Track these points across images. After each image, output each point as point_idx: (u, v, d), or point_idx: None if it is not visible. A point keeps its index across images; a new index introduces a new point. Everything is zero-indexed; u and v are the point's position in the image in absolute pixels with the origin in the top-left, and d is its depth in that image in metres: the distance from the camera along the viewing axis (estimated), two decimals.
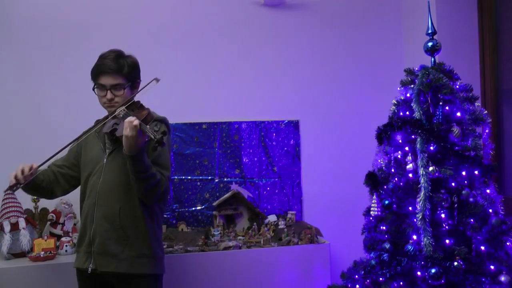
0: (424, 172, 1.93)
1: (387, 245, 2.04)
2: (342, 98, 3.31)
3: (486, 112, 2.08)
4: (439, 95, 2.08)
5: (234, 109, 3.16)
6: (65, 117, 2.90)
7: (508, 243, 1.93)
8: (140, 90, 2.05)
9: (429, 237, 1.89)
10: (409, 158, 2.06)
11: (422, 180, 1.93)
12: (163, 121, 2.09)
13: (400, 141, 2.10)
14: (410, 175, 2.05)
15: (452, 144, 2.02)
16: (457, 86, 2.13)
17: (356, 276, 2.15)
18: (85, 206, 2.08)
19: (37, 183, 2.03)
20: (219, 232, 2.78)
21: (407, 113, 2.12)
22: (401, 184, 2.10)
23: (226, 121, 3.14)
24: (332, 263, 2.86)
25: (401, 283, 1.98)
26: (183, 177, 3.08)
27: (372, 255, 2.10)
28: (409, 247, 1.95)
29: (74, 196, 2.25)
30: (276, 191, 3.19)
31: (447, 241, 1.92)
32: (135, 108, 2.02)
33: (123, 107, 1.99)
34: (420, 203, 1.91)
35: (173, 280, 2.51)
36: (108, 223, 2.00)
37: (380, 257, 2.03)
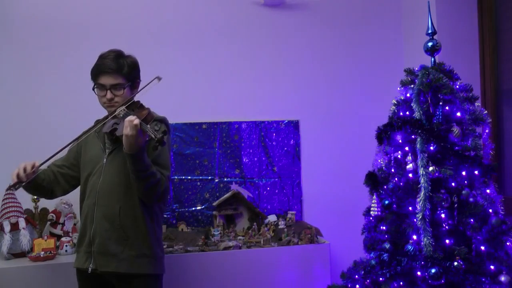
0: (424, 172, 1.93)
1: (387, 245, 2.04)
2: (342, 98, 3.31)
3: (486, 112, 2.08)
4: (439, 95, 2.08)
5: (234, 109, 3.16)
6: (65, 117, 2.90)
7: (508, 243, 1.93)
8: (142, 89, 2.05)
9: (429, 237, 1.89)
10: (409, 158, 2.06)
11: (422, 180, 1.93)
12: (163, 121, 2.09)
13: (400, 141, 2.10)
14: (410, 175, 2.05)
15: (452, 144, 2.02)
16: (457, 86, 2.13)
17: (356, 276, 2.15)
18: (85, 206, 2.08)
19: (38, 182, 2.03)
20: (219, 232, 2.78)
21: (407, 113, 2.12)
22: (401, 184, 2.10)
23: (226, 121, 3.14)
24: (332, 263, 2.86)
25: (401, 283, 1.98)
26: (183, 177, 3.08)
27: (372, 255, 2.10)
28: (409, 247, 1.95)
29: (74, 196, 2.25)
30: (276, 191, 3.19)
31: (447, 241, 1.92)
32: (135, 108, 2.02)
33: (123, 107, 1.99)
34: (420, 203, 1.91)
35: (173, 280, 2.51)
36: (108, 223, 2.00)
37: (380, 257, 2.03)
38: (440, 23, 2.96)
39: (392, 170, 2.14)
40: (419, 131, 1.99)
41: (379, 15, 3.37)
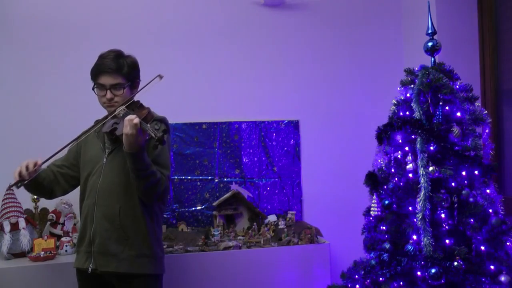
0: (424, 172, 1.93)
1: (387, 245, 2.04)
2: (342, 98, 3.31)
3: (486, 112, 2.08)
4: (439, 95, 2.08)
5: (234, 109, 3.16)
6: (65, 117, 2.89)
7: (508, 243, 1.93)
8: (144, 87, 2.04)
9: (429, 237, 1.89)
10: (409, 158, 2.06)
11: (422, 180, 1.93)
12: (163, 120, 2.09)
13: (400, 141, 2.10)
14: (410, 175, 2.05)
15: (452, 144, 2.02)
16: (457, 86, 2.13)
17: (356, 276, 2.15)
18: (85, 206, 2.08)
19: (39, 181, 2.03)
20: (219, 232, 2.78)
21: (407, 113, 2.12)
22: (401, 184, 2.10)
23: (226, 121, 3.14)
24: (332, 263, 2.86)
25: (401, 283, 1.98)
26: (183, 177, 3.08)
27: (372, 255, 2.10)
28: (409, 247, 1.95)
29: (74, 196, 2.25)
30: (276, 191, 3.19)
31: (447, 241, 1.92)
32: (135, 107, 2.02)
33: (123, 107, 1.99)
34: (420, 203, 1.91)
35: (173, 280, 2.51)
36: (108, 222, 2.00)
37: (380, 257, 2.03)
38: (440, 23, 2.96)
39: (392, 170, 2.14)
40: (419, 131, 1.99)
41: (379, 15, 3.37)
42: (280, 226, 2.90)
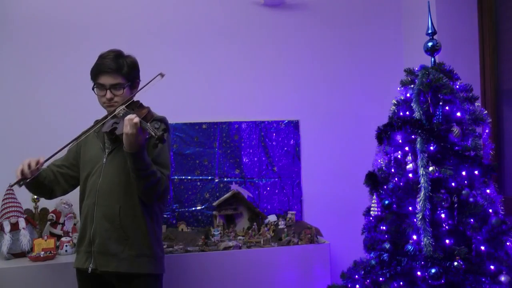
0: (424, 172, 1.93)
1: (387, 245, 2.04)
2: (342, 98, 3.31)
3: (486, 112, 2.08)
4: (439, 95, 2.08)
5: (234, 109, 3.16)
6: (65, 117, 2.89)
7: (508, 243, 1.93)
8: (146, 85, 2.04)
9: (429, 237, 1.89)
10: (409, 158, 2.06)
11: (422, 180, 1.93)
12: (162, 120, 2.09)
13: (400, 141, 2.10)
14: (410, 175, 2.05)
15: (452, 144, 2.02)
16: (457, 86, 2.13)
17: (356, 276, 2.15)
18: (85, 206, 2.08)
19: (40, 180, 2.03)
20: (219, 232, 2.78)
21: (407, 113, 2.12)
22: (401, 184, 2.10)
23: (226, 121, 3.14)
24: (332, 263, 2.86)
25: (401, 283, 1.98)
26: (183, 177, 3.08)
27: (372, 255, 2.10)
28: (409, 247, 1.95)
29: (74, 196, 2.25)
30: (276, 191, 3.19)
31: (447, 241, 1.92)
32: (135, 107, 2.02)
33: (123, 106, 1.99)
34: (420, 203, 1.91)
35: (173, 280, 2.51)
36: (108, 222, 2.00)
37: (380, 257, 2.03)
38: (440, 23, 2.96)
39: (392, 170, 2.14)
40: (419, 131, 1.99)
41: (379, 15, 3.37)
42: (280, 226, 2.90)
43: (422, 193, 1.92)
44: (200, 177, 3.10)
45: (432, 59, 2.20)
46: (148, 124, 1.86)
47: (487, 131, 2.09)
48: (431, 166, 1.97)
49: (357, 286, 2.13)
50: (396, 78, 2.29)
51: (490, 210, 1.96)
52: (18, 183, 1.92)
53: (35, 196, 2.64)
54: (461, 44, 3.03)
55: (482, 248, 1.91)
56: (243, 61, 3.18)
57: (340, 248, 3.09)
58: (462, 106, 2.07)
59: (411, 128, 2.01)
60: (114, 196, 2.01)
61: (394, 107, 2.21)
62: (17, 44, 2.90)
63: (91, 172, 2.08)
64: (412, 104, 2.07)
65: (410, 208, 2.02)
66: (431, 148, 2.00)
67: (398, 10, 3.39)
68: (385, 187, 2.13)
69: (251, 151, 3.17)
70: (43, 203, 2.72)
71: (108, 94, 2.02)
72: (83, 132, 2.03)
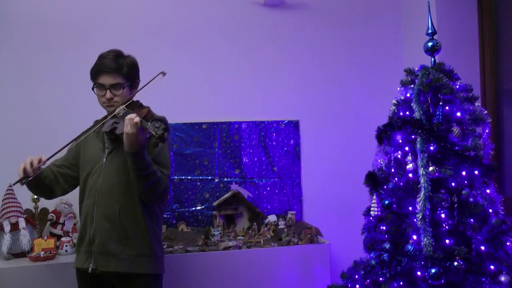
0: (424, 172, 1.93)
1: (387, 245, 2.04)
2: (342, 98, 3.31)
3: (486, 112, 2.08)
4: (439, 95, 2.08)
5: (234, 109, 3.16)
6: (65, 117, 2.89)
7: (508, 243, 1.93)
8: (148, 84, 2.03)
9: (429, 237, 1.89)
10: (409, 158, 2.06)
11: (422, 180, 1.93)
12: (162, 120, 2.09)
13: (400, 141, 2.10)
14: (410, 175, 2.05)
15: (452, 144, 2.02)
16: (457, 86, 2.13)
17: (356, 276, 2.15)
18: (85, 206, 2.08)
19: (41, 179, 2.04)
20: (219, 232, 2.78)
21: (407, 113, 2.12)
22: (401, 184, 2.09)
23: (226, 121, 3.14)
24: (332, 263, 2.86)
25: (401, 283, 1.98)
26: (183, 177, 3.08)
27: (372, 255, 2.10)
28: (409, 247, 1.95)
29: (74, 196, 2.25)
30: (276, 191, 3.19)
31: (447, 241, 1.92)
32: (135, 107, 2.02)
33: (123, 106, 1.99)
34: (420, 203, 1.91)
35: (173, 280, 2.51)
36: (108, 222, 2.00)
37: (380, 257, 2.03)
38: (440, 23, 2.96)
39: (392, 170, 2.14)
40: (419, 131, 1.99)
41: (379, 15, 3.37)
42: (280, 226, 2.90)
43: (422, 193, 1.92)
44: (200, 177, 3.10)
45: (432, 59, 2.20)
46: (149, 123, 1.87)
47: (487, 131, 2.08)
48: (431, 166, 1.97)
49: (357, 286, 2.13)
50: (396, 78, 2.29)
51: (490, 210, 1.96)
52: (21, 181, 1.92)
53: (35, 196, 2.64)
54: (461, 44, 3.03)
55: (482, 248, 1.91)
56: (243, 61, 3.18)
57: (340, 248, 3.09)
58: (462, 106, 2.07)
59: (411, 128, 2.01)
60: (114, 196, 2.01)
61: (394, 107, 2.21)
62: (17, 44, 2.90)
63: (91, 172, 2.08)
64: (412, 104, 2.07)
65: (410, 208, 2.02)
66: (431, 148, 2.00)
67: (398, 10, 3.39)
68: (385, 187, 2.13)
69: (251, 151, 3.17)
70: (43, 203, 2.72)
71: (108, 94, 2.02)
72: (83, 132, 2.03)
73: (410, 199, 2.03)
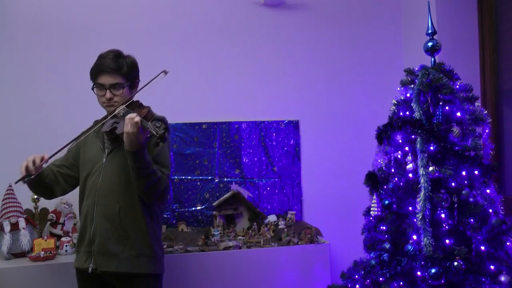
0: (424, 172, 1.93)
1: (387, 245, 2.04)
2: (342, 98, 3.31)
3: (486, 112, 2.08)
4: (439, 95, 2.08)
5: (234, 109, 3.16)
6: (65, 117, 2.90)
7: (508, 243, 1.93)
8: (149, 82, 2.03)
9: (429, 237, 1.89)
10: (409, 158, 2.06)
11: (422, 180, 1.93)
12: (162, 120, 2.09)
13: (400, 141, 2.10)
14: (410, 175, 2.05)
15: (452, 144, 2.02)
16: (457, 86, 2.13)
17: (356, 276, 2.15)
18: (85, 206, 2.08)
19: (42, 177, 2.04)
20: (219, 232, 2.78)
21: (407, 113, 2.12)
22: (401, 184, 2.10)
23: (226, 121, 3.14)
24: (332, 263, 2.86)
25: (401, 283, 1.98)
26: (183, 177, 3.08)
27: (372, 255, 2.10)
28: (409, 247, 1.95)
29: (74, 196, 2.25)
30: (276, 191, 3.19)
31: (447, 241, 1.92)
32: (135, 107, 2.02)
33: (123, 106, 1.99)
34: (420, 203, 1.91)
35: (173, 280, 2.51)
36: (108, 222, 2.00)
37: (380, 257, 2.03)
38: (440, 23, 2.96)
39: (392, 170, 2.14)
40: (419, 131, 1.99)
41: (379, 15, 3.37)
42: (280, 226, 2.90)
43: (422, 193, 1.92)
44: (200, 177, 3.10)
45: (432, 59, 2.20)
46: (149, 123, 1.87)
47: (487, 131, 2.08)
48: (431, 166, 1.97)
49: (357, 286, 2.13)
50: (396, 78, 2.29)
51: (490, 210, 1.96)
52: (23, 179, 1.91)
53: (35, 196, 2.65)
54: (461, 44, 3.03)
55: (482, 248, 1.91)
56: (243, 61, 3.18)
57: (340, 248, 3.09)
58: (462, 106, 2.07)
59: (411, 128, 2.01)
60: (114, 196, 2.01)
61: (394, 107, 2.21)
62: (17, 44, 2.90)
63: (91, 172, 2.08)
64: (412, 104, 2.07)
65: (410, 208, 2.02)
66: (431, 148, 2.00)
67: (398, 10, 3.39)
68: (385, 187, 2.13)
69: (251, 151, 3.17)
70: (43, 203, 2.72)
71: (108, 94, 2.02)
72: (83, 132, 2.03)
73: (410, 199, 2.03)
